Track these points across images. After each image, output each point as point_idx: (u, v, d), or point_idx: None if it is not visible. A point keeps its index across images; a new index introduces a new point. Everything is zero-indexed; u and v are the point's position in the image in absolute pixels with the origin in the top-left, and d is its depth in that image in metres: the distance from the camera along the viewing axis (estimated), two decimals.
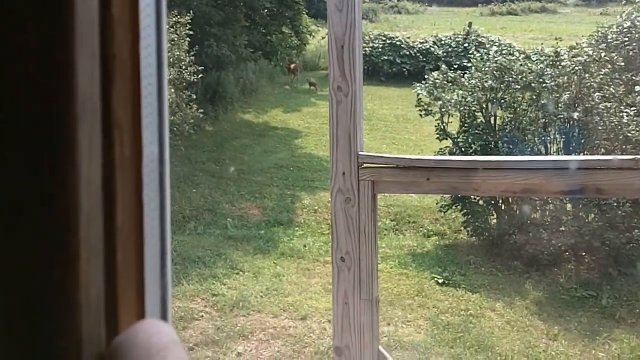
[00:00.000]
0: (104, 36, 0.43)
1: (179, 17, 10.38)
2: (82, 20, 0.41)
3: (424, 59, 23.96)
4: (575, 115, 10.15)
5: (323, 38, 25.78)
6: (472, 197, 10.78)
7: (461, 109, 11.06)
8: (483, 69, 11.02)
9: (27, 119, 0.41)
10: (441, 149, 11.29)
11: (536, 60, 11.41)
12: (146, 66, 0.46)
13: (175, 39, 10.15)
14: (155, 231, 0.48)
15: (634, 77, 10.45)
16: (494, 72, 10.85)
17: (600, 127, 10.02)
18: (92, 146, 0.43)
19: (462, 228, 11.25)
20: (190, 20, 10.47)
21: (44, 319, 0.42)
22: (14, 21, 0.41)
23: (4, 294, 0.43)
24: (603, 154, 9.42)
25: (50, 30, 0.41)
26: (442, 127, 11.33)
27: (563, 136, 10.68)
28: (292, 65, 22.20)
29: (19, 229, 0.42)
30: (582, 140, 10.34)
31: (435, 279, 9.58)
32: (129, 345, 0.44)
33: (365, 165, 3.05)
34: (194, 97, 10.60)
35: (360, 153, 3.04)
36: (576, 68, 10.43)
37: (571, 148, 10.35)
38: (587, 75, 10.35)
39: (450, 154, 10.66)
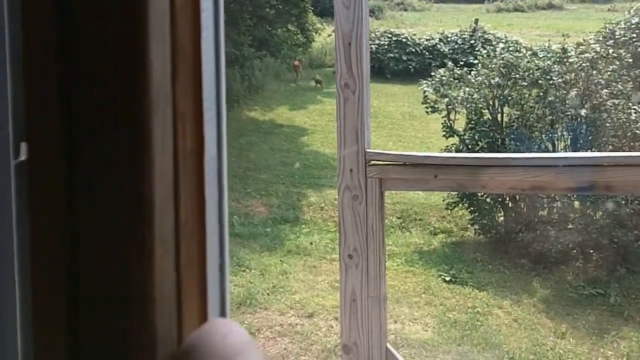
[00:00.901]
0: (173, 27, 0.42)
1: None
2: (155, 10, 0.41)
3: (430, 56, 23.91)
4: (583, 112, 10.11)
5: (329, 35, 25.73)
6: (479, 194, 10.75)
7: (468, 106, 11.03)
8: (490, 66, 10.99)
9: (102, 110, 0.41)
10: (448, 146, 11.27)
11: (543, 57, 11.36)
12: (206, 59, 0.45)
13: None
14: (214, 228, 0.47)
15: None
16: (501, 69, 10.82)
17: (608, 124, 9.97)
18: (165, 139, 0.42)
19: (469, 226, 11.23)
20: None
21: (119, 314, 0.41)
22: (96, 11, 0.40)
23: (79, 287, 0.42)
24: (611, 151, 9.38)
25: (127, 21, 0.40)
26: (448, 124, 11.31)
27: (570, 133, 10.64)
28: (295, 62, 22.18)
29: (97, 220, 0.41)
30: (590, 138, 10.30)
31: (442, 277, 9.57)
32: (203, 346, 0.42)
33: (372, 162, 3.04)
34: None
35: (368, 150, 3.04)
36: (584, 65, 10.39)
37: (579, 145, 10.31)
38: (594, 72, 10.31)
39: (457, 151, 10.65)
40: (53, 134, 0.42)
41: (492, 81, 10.78)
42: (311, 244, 10.69)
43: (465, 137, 11.05)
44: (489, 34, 24.73)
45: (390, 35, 24.68)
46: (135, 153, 0.40)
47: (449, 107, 11.21)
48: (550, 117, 10.65)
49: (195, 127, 0.44)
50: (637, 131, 9.57)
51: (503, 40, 21.34)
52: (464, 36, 24.80)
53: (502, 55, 11.09)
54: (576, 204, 10.36)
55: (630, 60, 10.63)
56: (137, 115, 0.40)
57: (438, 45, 24.29)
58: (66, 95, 0.42)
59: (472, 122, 11.18)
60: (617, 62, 10.53)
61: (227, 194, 0.48)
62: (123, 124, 0.41)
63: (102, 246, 0.41)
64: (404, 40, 24.49)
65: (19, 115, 0.71)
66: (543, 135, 10.77)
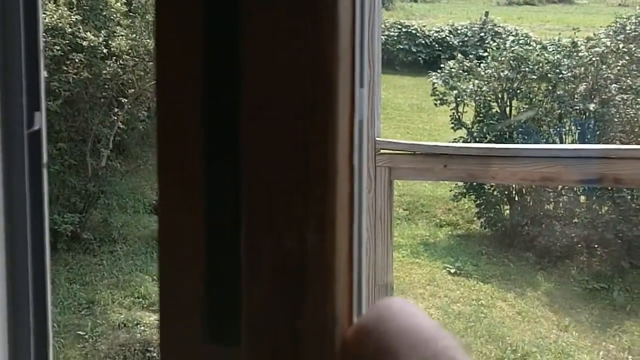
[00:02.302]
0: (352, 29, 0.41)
1: None
2: (343, 9, 0.39)
3: (440, 48, 23.81)
4: (592, 106, 10.06)
5: None
6: (487, 187, 10.73)
7: (476, 98, 10.99)
8: (499, 59, 10.93)
9: (291, 109, 0.39)
10: (455, 138, 11.24)
11: (553, 50, 11.29)
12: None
13: None
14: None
15: None
16: (511, 62, 10.76)
17: (616, 119, 9.92)
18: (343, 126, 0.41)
19: (475, 218, 11.21)
20: None
21: (301, 288, 0.39)
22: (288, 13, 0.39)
23: (262, 261, 0.40)
24: None
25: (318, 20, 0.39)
26: (457, 116, 11.27)
27: (579, 127, 10.59)
28: None
29: (280, 191, 0.40)
30: (598, 132, 10.25)
31: (447, 269, 9.57)
32: (386, 329, 0.37)
33: (382, 151, 3.03)
34: None
35: (378, 139, 3.03)
36: (593, 59, 10.33)
37: (587, 139, 10.26)
38: (604, 66, 10.25)
39: (465, 143, 10.62)
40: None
41: (501, 74, 10.73)
42: None
43: (473, 129, 11.01)
44: (499, 26, 24.59)
45: (399, 27, 24.58)
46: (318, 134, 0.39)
47: (458, 99, 11.17)
48: (559, 111, 10.60)
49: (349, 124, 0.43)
50: None
51: (513, 34, 21.23)
52: (474, 28, 24.68)
53: (512, 48, 11.03)
54: (582, 198, 10.33)
55: None
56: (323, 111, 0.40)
57: (448, 38, 24.18)
58: None
59: (481, 114, 11.14)
60: (627, 57, 10.46)
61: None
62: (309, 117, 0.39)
63: (285, 216, 0.39)
64: (413, 31, 24.39)
65: (33, 84, 0.71)
66: (551, 129, 10.73)
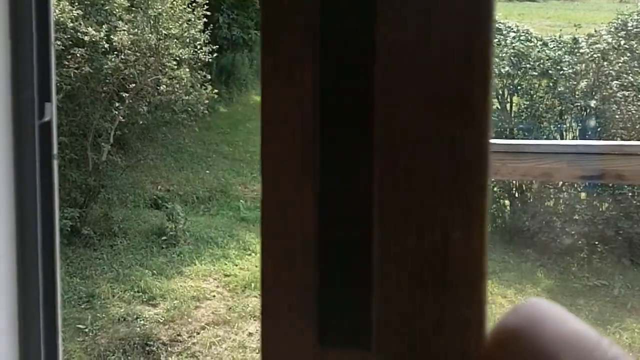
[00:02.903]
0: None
1: None
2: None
3: None
4: (593, 103, 10.05)
5: None
6: None
7: None
8: (500, 55, 10.92)
9: (439, 94, 0.36)
10: None
11: (554, 47, 11.28)
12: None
13: (192, 18, 10.13)
14: None
15: None
16: (511, 58, 10.75)
17: (617, 116, 9.92)
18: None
19: None
20: (207, 1, 10.44)
21: (444, 291, 0.36)
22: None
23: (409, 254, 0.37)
24: None
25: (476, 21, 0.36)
26: None
27: (579, 124, 10.59)
28: None
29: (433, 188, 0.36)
30: (599, 129, 10.25)
31: None
32: (539, 335, 0.33)
33: None
34: (209, 77, 10.58)
35: None
36: (594, 56, 10.32)
37: (587, 136, 10.26)
38: (605, 63, 10.23)
39: None
40: None
41: (502, 70, 10.72)
42: None
43: None
44: (500, 22, 24.57)
45: None
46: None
47: None
48: (560, 107, 10.60)
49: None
50: None
51: (514, 30, 21.23)
52: None
53: (513, 44, 11.02)
54: (583, 195, 10.34)
55: None
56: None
57: None
58: None
59: None
60: (629, 54, 10.45)
61: None
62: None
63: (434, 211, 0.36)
64: None
65: (44, 76, 0.71)
66: (552, 126, 10.73)
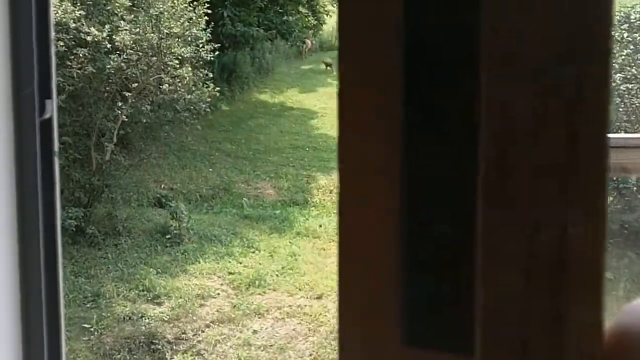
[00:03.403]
0: None
1: None
2: None
3: None
4: None
5: None
6: None
7: None
8: None
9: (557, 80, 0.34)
10: None
11: None
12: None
13: (194, 17, 10.13)
14: None
15: None
16: None
17: (621, 109, 9.88)
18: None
19: None
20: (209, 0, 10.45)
21: (562, 292, 0.34)
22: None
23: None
24: None
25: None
26: None
27: None
28: (306, 42, 22.34)
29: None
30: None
31: None
32: None
33: None
34: (211, 75, 10.58)
35: None
36: None
37: None
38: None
39: None
40: None
41: None
42: (320, 226, 10.71)
43: None
44: None
45: None
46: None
47: None
48: None
49: None
50: None
51: None
52: None
53: None
54: None
55: None
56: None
57: None
58: None
59: None
60: (632, 46, 10.41)
61: None
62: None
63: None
64: None
65: (45, 73, 0.71)
66: None
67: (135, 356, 7.30)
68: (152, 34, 9.37)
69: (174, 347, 7.45)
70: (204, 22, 10.38)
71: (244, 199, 11.73)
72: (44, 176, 0.61)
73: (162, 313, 7.82)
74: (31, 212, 0.60)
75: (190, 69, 9.88)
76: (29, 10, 0.62)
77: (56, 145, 0.67)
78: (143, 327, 7.58)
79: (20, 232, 0.61)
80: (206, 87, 10.21)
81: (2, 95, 0.62)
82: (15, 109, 0.62)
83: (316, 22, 20.93)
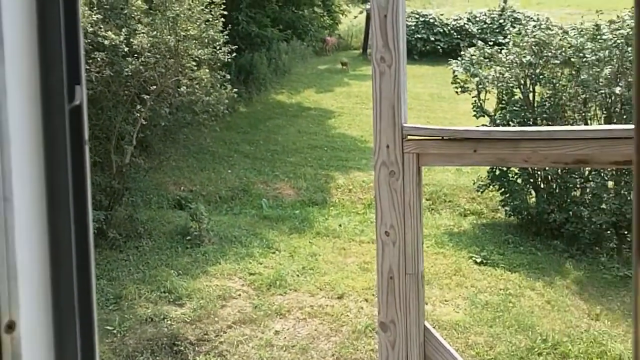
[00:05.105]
0: None
1: None
2: None
3: (459, 36, 23.59)
4: (617, 90, 9.87)
5: (355, 17, 25.56)
6: (510, 176, 10.60)
7: (499, 85, 10.85)
8: (521, 44, 10.77)
9: None
10: (478, 126, 11.11)
11: (575, 34, 11.09)
12: None
13: (210, 19, 10.13)
14: None
15: None
16: (532, 47, 10.60)
17: None
18: None
19: (499, 207, 11.09)
20: (224, 1, 10.44)
21: None
22: None
23: None
24: None
25: None
26: (479, 104, 11.14)
27: (604, 112, 10.41)
28: (326, 39, 22.50)
29: None
30: (625, 116, 10.07)
31: (473, 258, 9.48)
32: None
33: (409, 137, 2.98)
34: (228, 77, 10.59)
35: (405, 125, 2.98)
36: (618, 42, 10.13)
37: (613, 124, 10.08)
38: (629, 49, 10.04)
39: None
40: None
41: (523, 59, 10.57)
42: (340, 225, 10.66)
43: (496, 116, 10.88)
44: (519, 12, 24.31)
45: (417, 16, 24.39)
46: None
47: (480, 86, 11.03)
48: (583, 95, 10.42)
49: None
50: None
51: (534, 19, 20.96)
52: (492, 15, 24.42)
53: (534, 33, 10.86)
54: (610, 183, 10.17)
55: None
56: None
57: (466, 25, 23.95)
58: None
59: (503, 101, 11.00)
60: None
61: None
62: None
63: None
64: (431, 20, 24.19)
65: (73, 58, 0.68)
66: (576, 114, 10.56)
67: (157, 358, 7.32)
68: (169, 37, 9.39)
69: (197, 348, 7.45)
70: (220, 24, 10.38)
71: (263, 199, 11.72)
72: (74, 167, 0.58)
73: (184, 314, 7.83)
74: (62, 204, 0.58)
75: (207, 70, 9.89)
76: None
77: (87, 134, 0.64)
78: (165, 329, 7.59)
79: (51, 224, 0.58)
80: (224, 89, 10.21)
81: (29, 81, 0.59)
82: (43, 95, 0.59)
83: (332, 22, 20.89)
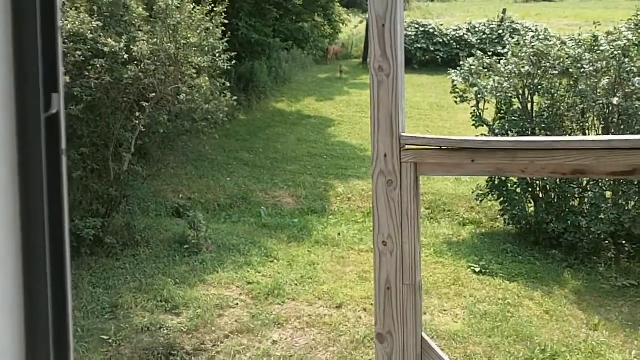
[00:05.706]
0: None
1: (214, 5, 10.37)
2: None
3: (458, 47, 23.65)
4: (615, 100, 9.87)
5: (356, 27, 25.64)
6: (509, 185, 10.58)
7: (497, 95, 10.86)
8: (519, 55, 10.79)
9: None
10: (477, 136, 11.10)
11: (573, 45, 11.10)
12: None
13: (211, 27, 10.13)
14: None
15: None
16: (531, 57, 10.61)
17: None
18: None
19: (498, 216, 11.08)
20: (225, 10, 10.45)
21: None
22: None
23: None
24: None
25: None
26: (477, 113, 11.15)
27: (602, 122, 10.40)
28: (328, 48, 22.62)
29: None
30: (622, 127, 10.06)
31: (472, 268, 9.45)
32: None
33: (407, 147, 2.96)
34: (228, 85, 10.58)
35: (402, 134, 2.96)
36: (615, 53, 10.14)
37: (610, 134, 10.07)
38: (626, 60, 10.05)
39: None
40: None
41: (522, 70, 10.58)
42: (339, 234, 10.63)
43: (494, 126, 10.88)
44: (517, 23, 24.39)
45: (417, 26, 24.46)
46: None
47: (478, 96, 11.04)
48: (581, 105, 10.43)
49: None
50: None
51: (532, 29, 21.00)
52: (491, 26, 24.49)
53: (533, 44, 10.87)
54: (608, 194, 10.15)
55: None
56: None
57: (466, 36, 24.02)
58: None
59: (502, 111, 11.01)
60: None
61: None
62: None
63: None
64: (431, 30, 24.26)
65: (50, 66, 0.66)
66: (574, 125, 10.56)
67: None
68: (169, 44, 9.39)
69: (193, 358, 7.40)
70: (220, 32, 10.39)
71: (262, 207, 11.69)
72: (50, 177, 0.56)
73: (181, 324, 7.78)
74: (36, 217, 0.55)
75: (207, 78, 9.88)
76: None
77: (64, 143, 0.62)
78: (162, 338, 7.54)
79: (24, 238, 0.56)
80: (224, 97, 10.20)
81: (2, 90, 0.57)
82: (18, 103, 0.57)
83: (332, 30, 20.94)
